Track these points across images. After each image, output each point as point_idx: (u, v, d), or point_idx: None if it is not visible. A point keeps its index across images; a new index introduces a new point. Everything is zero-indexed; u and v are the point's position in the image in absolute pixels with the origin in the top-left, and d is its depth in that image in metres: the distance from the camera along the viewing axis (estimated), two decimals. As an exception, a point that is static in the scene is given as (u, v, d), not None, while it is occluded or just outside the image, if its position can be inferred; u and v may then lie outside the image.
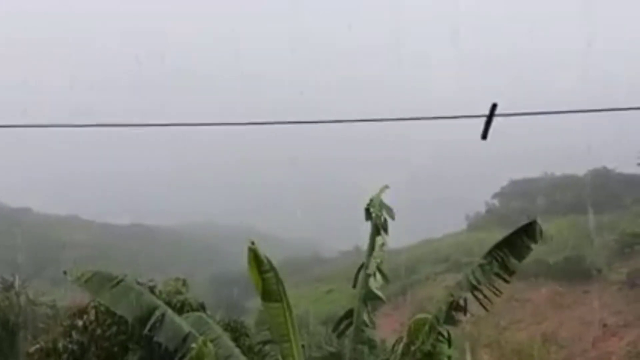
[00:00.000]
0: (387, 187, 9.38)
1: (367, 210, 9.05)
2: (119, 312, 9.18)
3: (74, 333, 12.40)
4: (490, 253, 8.37)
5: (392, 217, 8.96)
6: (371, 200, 9.08)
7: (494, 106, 4.93)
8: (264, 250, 7.97)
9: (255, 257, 7.96)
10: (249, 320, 15.79)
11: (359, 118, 7.10)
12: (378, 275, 8.66)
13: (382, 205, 9.04)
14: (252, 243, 7.84)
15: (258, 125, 7.33)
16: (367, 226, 9.39)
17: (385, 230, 9.07)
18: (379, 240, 9.19)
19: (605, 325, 42.13)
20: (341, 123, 7.98)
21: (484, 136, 5.03)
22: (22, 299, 23.99)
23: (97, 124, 7.60)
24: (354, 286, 9.05)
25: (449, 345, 8.28)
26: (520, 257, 8.33)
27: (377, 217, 9.07)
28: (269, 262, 8.20)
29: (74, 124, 7.01)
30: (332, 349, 9.80)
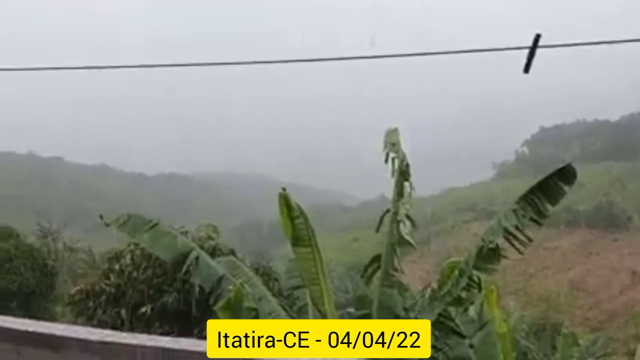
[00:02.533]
0: (396, 129, 8.93)
1: (387, 155, 8.67)
2: (156, 253, 9.38)
3: (111, 276, 12.88)
4: (523, 198, 8.16)
5: (407, 163, 8.61)
6: (387, 143, 8.66)
7: (538, 37, 4.67)
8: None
9: (286, 203, 7.96)
10: (276, 266, 16.11)
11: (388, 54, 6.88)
12: (407, 222, 8.55)
13: (401, 149, 8.65)
14: (284, 189, 7.84)
15: (278, 66, 7.21)
16: (389, 175, 9.07)
17: (409, 175, 8.77)
18: (406, 186, 8.94)
19: (634, 273, 41.84)
20: (371, 59, 7.77)
21: (527, 69, 4.80)
22: (59, 245, 24.86)
23: (119, 66, 7.57)
24: (377, 230, 8.92)
25: (479, 290, 8.23)
26: (554, 202, 8.08)
27: (400, 162, 8.69)
28: (299, 207, 8.19)
29: (100, 66, 6.97)
30: (360, 293, 9.85)
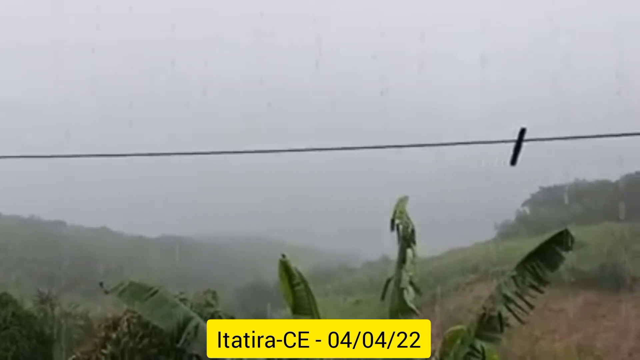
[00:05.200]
0: (407, 197, 9.18)
1: (392, 221, 8.87)
2: (154, 322, 9.29)
3: (107, 345, 12.63)
4: (522, 264, 8.22)
5: (412, 229, 8.81)
6: (395, 211, 8.90)
7: (523, 131, 4.85)
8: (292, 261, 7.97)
9: (286, 270, 7.98)
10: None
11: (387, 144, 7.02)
12: (410, 289, 8.54)
13: (407, 216, 8.88)
14: (283, 256, 7.87)
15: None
16: (394, 235, 9.20)
17: (413, 242, 8.91)
18: (409, 252, 9.04)
19: (642, 336, 40.92)
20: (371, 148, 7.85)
21: (513, 162, 4.95)
22: (57, 310, 24.46)
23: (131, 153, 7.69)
24: (383, 298, 8.92)
25: (483, 359, 8.12)
26: (553, 267, 8.17)
27: (404, 228, 8.88)
28: (300, 274, 8.21)
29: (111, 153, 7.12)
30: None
